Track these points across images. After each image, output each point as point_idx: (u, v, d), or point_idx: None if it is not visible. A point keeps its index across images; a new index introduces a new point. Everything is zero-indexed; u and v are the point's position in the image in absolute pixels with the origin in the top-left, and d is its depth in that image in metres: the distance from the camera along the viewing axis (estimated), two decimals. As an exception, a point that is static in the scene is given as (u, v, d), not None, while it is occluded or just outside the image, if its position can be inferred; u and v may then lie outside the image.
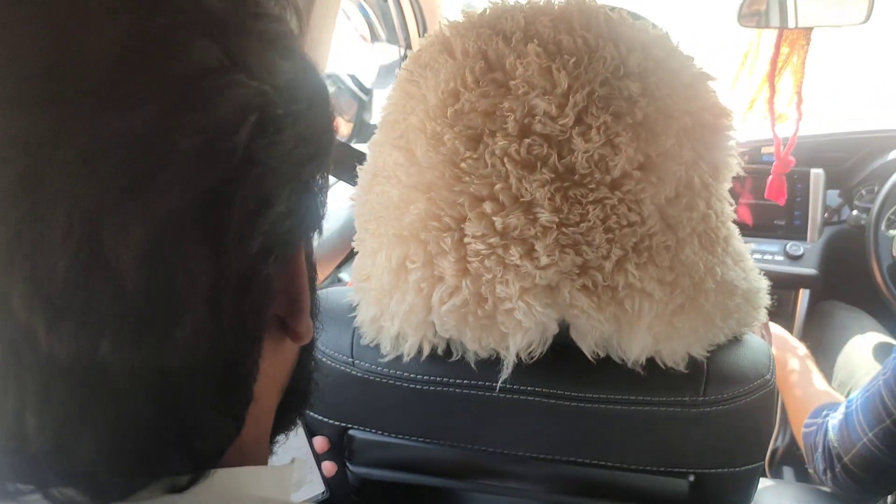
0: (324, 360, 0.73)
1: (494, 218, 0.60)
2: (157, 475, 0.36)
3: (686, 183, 0.63)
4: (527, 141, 0.59)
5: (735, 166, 0.69)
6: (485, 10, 0.67)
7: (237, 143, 0.33)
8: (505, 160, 0.59)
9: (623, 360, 0.65)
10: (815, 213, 1.94)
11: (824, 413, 1.24)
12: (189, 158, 0.32)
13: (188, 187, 0.32)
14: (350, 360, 0.71)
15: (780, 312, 1.98)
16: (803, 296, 1.96)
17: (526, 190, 0.59)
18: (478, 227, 0.60)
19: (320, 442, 0.77)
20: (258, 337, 0.39)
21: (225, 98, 0.33)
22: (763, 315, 0.74)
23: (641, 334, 0.63)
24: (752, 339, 0.72)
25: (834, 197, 2.00)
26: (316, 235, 0.45)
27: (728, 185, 0.69)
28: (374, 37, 1.86)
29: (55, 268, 0.30)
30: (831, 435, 1.19)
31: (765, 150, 1.96)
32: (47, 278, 0.30)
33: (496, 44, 0.62)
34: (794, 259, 1.91)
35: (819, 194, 1.93)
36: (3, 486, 0.34)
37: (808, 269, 1.90)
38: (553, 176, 0.59)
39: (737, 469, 0.70)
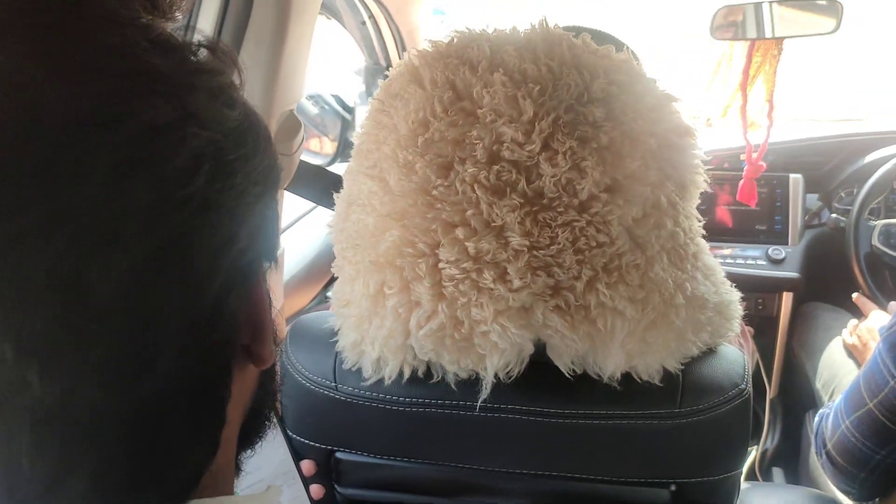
0: (307, 384, 0.74)
1: (467, 243, 0.61)
2: None
3: (653, 203, 0.64)
4: (496, 167, 0.61)
5: (702, 183, 0.70)
6: (452, 40, 0.69)
7: (194, 190, 0.36)
8: (475, 187, 0.61)
9: (599, 376, 0.66)
10: (796, 217, 1.96)
11: (830, 403, 1.28)
12: (148, 211, 0.34)
13: (151, 236, 0.34)
14: (333, 384, 0.73)
15: (765, 316, 2.01)
16: (787, 299, 1.98)
17: (497, 215, 0.61)
18: (451, 252, 0.61)
19: (307, 465, 0.78)
20: (229, 365, 0.42)
21: (180, 150, 0.35)
22: (736, 326, 0.75)
23: (615, 351, 0.64)
24: (727, 350, 0.74)
25: (813, 200, 2.03)
26: (273, 262, 0.47)
27: (696, 201, 0.71)
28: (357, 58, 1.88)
29: (44, 319, 0.32)
30: (825, 423, 1.23)
31: (744, 156, 1.99)
32: (37, 329, 0.32)
33: (463, 73, 0.63)
34: (777, 263, 1.93)
35: (798, 198, 1.96)
36: None
37: (791, 273, 1.92)
38: (522, 201, 0.61)
39: (716, 477, 0.72)
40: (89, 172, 0.32)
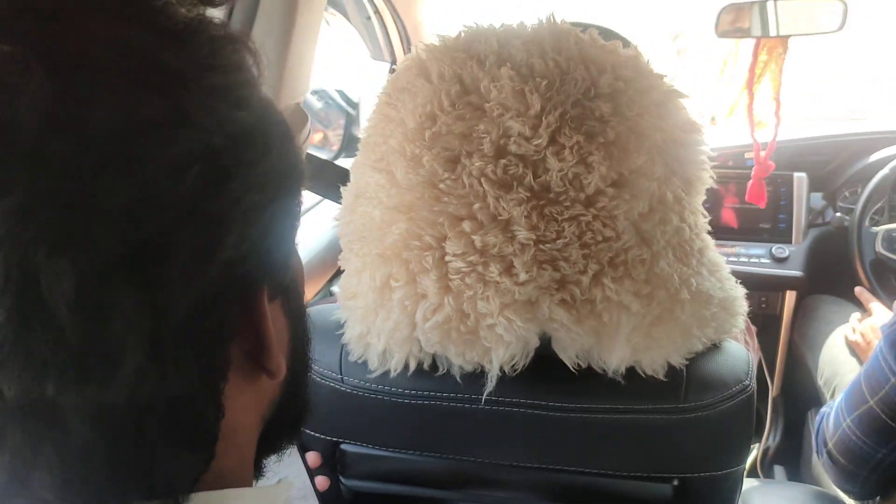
0: (313, 376, 0.74)
1: (473, 236, 0.61)
2: None
3: (659, 198, 0.64)
4: (502, 161, 0.61)
5: (708, 179, 0.70)
6: (459, 34, 0.69)
7: (175, 195, 0.34)
8: (482, 180, 0.61)
9: (604, 371, 0.67)
10: (800, 216, 1.96)
11: (831, 402, 1.27)
12: (120, 214, 0.32)
13: (120, 241, 0.33)
14: (339, 376, 0.73)
15: (768, 314, 2.00)
16: (790, 297, 1.98)
17: (503, 209, 0.61)
18: (458, 245, 0.62)
19: (312, 457, 0.79)
20: (214, 376, 0.39)
21: (163, 153, 0.34)
22: (741, 322, 0.75)
23: (620, 345, 0.65)
24: (731, 346, 0.74)
25: (817, 199, 2.03)
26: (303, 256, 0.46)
27: (702, 197, 0.71)
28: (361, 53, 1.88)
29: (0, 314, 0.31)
30: (825, 422, 1.23)
31: (748, 155, 1.99)
32: None
33: (471, 67, 0.64)
34: (780, 261, 1.93)
35: (803, 197, 1.96)
36: None
37: (794, 271, 1.92)
38: (529, 195, 0.61)
39: (719, 472, 0.72)
40: (58, 169, 0.31)
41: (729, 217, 2.00)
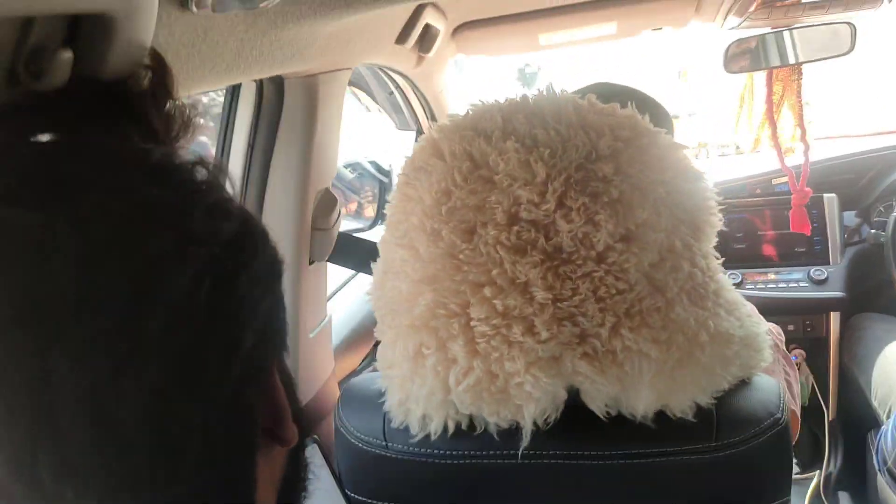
0: (360, 444, 0.77)
1: (495, 301, 0.65)
2: None
3: (668, 247, 0.67)
4: (515, 228, 0.65)
5: (717, 223, 0.73)
6: (467, 112, 0.74)
7: (198, 306, 0.39)
8: (498, 248, 0.65)
9: (634, 416, 0.69)
10: (834, 236, 1.95)
11: (889, 420, 1.26)
12: (160, 334, 0.37)
13: (165, 359, 0.37)
14: (384, 443, 0.76)
15: (815, 337, 1.98)
16: (834, 318, 1.95)
17: (520, 272, 0.65)
18: (481, 310, 0.65)
19: None
20: (251, 457, 0.45)
21: (182, 272, 0.39)
22: (768, 356, 0.76)
23: (645, 391, 0.67)
24: (761, 380, 0.75)
25: (851, 218, 2.01)
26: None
27: (713, 241, 0.73)
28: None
29: (74, 437, 0.36)
30: (883, 440, 1.21)
31: (775, 180, 2.00)
32: (68, 448, 0.36)
33: (479, 143, 0.68)
34: (820, 283, 1.92)
35: (835, 217, 1.95)
36: None
37: (835, 292, 1.91)
38: (543, 257, 0.65)
39: None
40: (102, 304, 0.36)
41: (764, 244, 2.00)
